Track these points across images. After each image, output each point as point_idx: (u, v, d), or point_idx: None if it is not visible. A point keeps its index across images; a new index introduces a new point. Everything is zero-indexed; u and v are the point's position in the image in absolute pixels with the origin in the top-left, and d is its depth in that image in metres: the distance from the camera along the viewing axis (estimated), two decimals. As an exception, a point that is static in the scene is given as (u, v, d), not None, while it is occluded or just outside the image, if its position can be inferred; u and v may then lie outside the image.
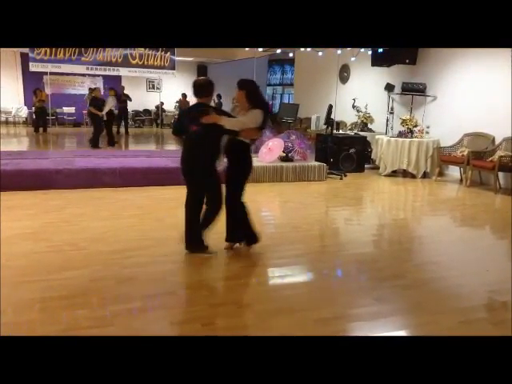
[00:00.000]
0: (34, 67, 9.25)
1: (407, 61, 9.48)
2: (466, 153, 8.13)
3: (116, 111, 12.08)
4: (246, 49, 10.40)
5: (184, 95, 16.46)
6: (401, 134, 9.01)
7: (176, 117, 16.95)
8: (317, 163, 8.47)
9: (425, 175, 8.87)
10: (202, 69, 19.96)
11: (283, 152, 8.44)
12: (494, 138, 8.15)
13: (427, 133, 9.01)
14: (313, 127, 11.53)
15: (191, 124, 3.95)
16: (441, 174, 8.88)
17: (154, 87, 19.09)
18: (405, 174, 9.07)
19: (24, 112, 17.51)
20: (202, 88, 4.06)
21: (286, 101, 18.05)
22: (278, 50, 11.66)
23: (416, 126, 8.96)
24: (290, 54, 13.06)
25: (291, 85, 16.77)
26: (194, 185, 4.13)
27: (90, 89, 16.96)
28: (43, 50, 9.06)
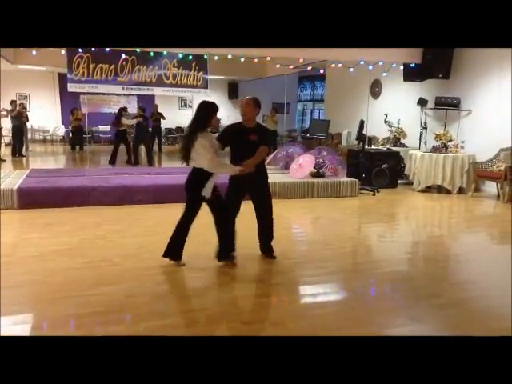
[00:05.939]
0: (72, 88, 9.47)
1: (440, 75, 9.33)
2: (502, 168, 7.94)
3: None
4: (277, 65, 10.45)
5: None
6: (435, 149, 8.85)
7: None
8: (349, 179, 8.40)
9: (460, 191, 8.65)
10: (233, 86, 20.21)
11: (314, 168, 8.42)
12: (532, 153, 7.91)
13: (462, 148, 8.83)
14: (344, 143, 11.48)
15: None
16: (477, 189, 8.66)
17: (186, 105, 19.40)
18: (440, 189, 8.88)
19: (61, 131, 18.05)
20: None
21: (316, 116, 18.01)
22: (309, 67, 11.68)
23: (450, 140, 8.79)
24: (321, 71, 13.08)
25: (321, 100, 16.77)
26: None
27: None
28: (81, 70, 9.29)
